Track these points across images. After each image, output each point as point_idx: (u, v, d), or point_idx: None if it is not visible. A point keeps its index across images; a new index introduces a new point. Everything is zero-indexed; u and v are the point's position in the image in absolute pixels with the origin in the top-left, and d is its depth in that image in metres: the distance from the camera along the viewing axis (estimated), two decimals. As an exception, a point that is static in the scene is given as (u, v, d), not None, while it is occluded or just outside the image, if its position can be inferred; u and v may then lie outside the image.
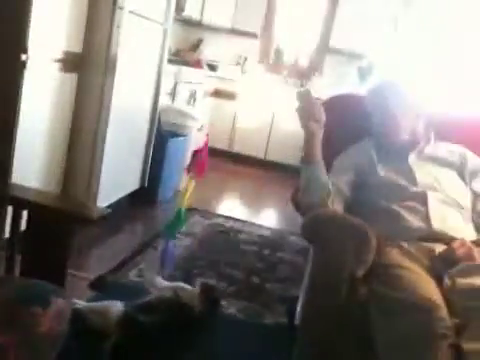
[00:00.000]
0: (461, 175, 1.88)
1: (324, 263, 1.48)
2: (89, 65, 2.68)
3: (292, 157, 5.36)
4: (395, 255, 1.58)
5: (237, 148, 5.63)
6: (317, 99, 1.77)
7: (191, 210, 3.59)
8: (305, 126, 1.75)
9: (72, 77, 2.61)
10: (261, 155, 5.59)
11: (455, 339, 1.24)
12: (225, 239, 3.18)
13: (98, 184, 2.89)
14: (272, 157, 5.56)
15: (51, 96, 2.46)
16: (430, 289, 1.41)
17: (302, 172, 1.81)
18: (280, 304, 2.45)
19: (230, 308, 2.29)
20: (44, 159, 2.52)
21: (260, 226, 3.57)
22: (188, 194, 2.39)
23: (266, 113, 5.52)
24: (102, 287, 2.27)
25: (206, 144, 2.14)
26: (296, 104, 1.75)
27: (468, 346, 1.19)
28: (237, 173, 5.31)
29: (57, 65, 2.43)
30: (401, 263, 1.53)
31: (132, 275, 2.43)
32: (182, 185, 4.06)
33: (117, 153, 3.03)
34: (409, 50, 5.13)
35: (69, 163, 2.78)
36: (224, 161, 5.53)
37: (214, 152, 5.62)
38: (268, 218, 4.12)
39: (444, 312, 1.31)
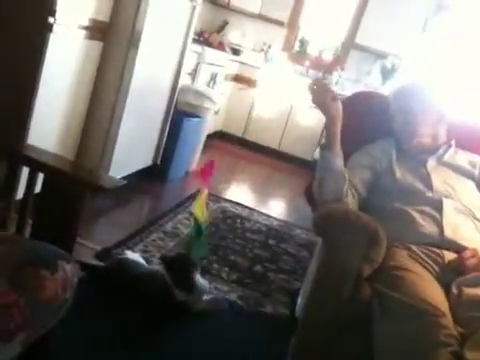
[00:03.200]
0: (478, 185, 1.86)
1: (332, 259, 1.47)
2: (114, 35, 2.66)
3: (306, 151, 5.34)
4: (403, 257, 1.57)
5: (251, 136, 5.61)
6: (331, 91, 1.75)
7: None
8: (322, 108, 1.72)
9: (97, 45, 2.60)
10: (275, 145, 5.56)
11: (458, 348, 1.22)
12: (231, 225, 3.18)
13: (112, 155, 2.89)
14: (286, 149, 5.53)
15: (75, 62, 2.45)
16: (435, 295, 1.40)
17: (319, 160, 1.79)
18: (281, 294, 2.45)
19: (231, 294, 2.29)
20: (61, 124, 2.52)
21: (267, 216, 3.56)
22: (203, 204, 2.06)
23: (284, 104, 5.48)
24: (107, 260, 2.28)
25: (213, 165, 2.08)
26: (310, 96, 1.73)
27: (472, 356, 1.17)
28: (249, 160, 5.28)
29: (83, 32, 2.41)
30: (408, 266, 1.51)
31: (137, 250, 2.43)
32: (193, 166, 4.07)
33: (133, 127, 3.03)
34: (436, 54, 5.06)
35: (85, 131, 2.78)
36: (237, 147, 5.51)
37: (228, 137, 5.61)
38: (275, 208, 4.10)
39: (448, 320, 1.30)
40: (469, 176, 1.87)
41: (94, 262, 2.16)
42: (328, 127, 1.75)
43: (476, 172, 1.89)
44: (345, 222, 1.48)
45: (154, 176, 3.51)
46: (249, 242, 2.97)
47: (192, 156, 4.06)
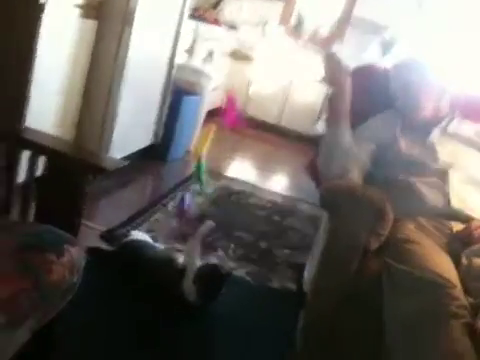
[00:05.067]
0: (484, 154, 1.83)
1: (339, 233, 1.46)
2: (109, 13, 2.60)
3: (305, 126, 5.29)
4: (411, 230, 1.56)
5: (251, 112, 5.55)
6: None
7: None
8: (334, 80, 1.68)
9: (92, 24, 2.55)
10: (275, 121, 5.51)
11: (470, 319, 1.21)
12: (236, 202, 3.16)
13: (111, 136, 2.86)
14: (286, 124, 5.49)
15: (70, 42, 2.40)
16: (445, 266, 1.39)
17: (325, 135, 1.76)
18: (287, 269, 2.44)
19: (239, 270, 2.28)
20: (58, 106, 2.48)
21: (271, 192, 3.54)
22: (207, 140, 2.24)
23: (283, 78, 5.42)
24: (112, 239, 2.28)
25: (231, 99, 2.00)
26: (322, 68, 1.69)
27: (483, 326, 1.17)
28: (250, 137, 5.24)
29: (78, 11, 2.36)
30: (416, 239, 1.50)
31: (141, 230, 2.42)
32: (193, 143, 4.03)
33: (131, 107, 2.98)
34: (433, 28, 4.98)
35: (83, 112, 2.74)
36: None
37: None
38: (278, 184, 4.08)
39: (458, 290, 1.29)
40: (474, 145, 1.85)
41: (103, 246, 2.15)
42: (337, 101, 1.71)
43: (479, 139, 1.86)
44: (352, 196, 1.47)
45: (154, 156, 3.48)
46: (254, 218, 2.96)
47: (192, 134, 4.02)
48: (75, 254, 1.15)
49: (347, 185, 1.54)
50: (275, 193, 3.54)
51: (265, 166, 4.51)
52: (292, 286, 2.28)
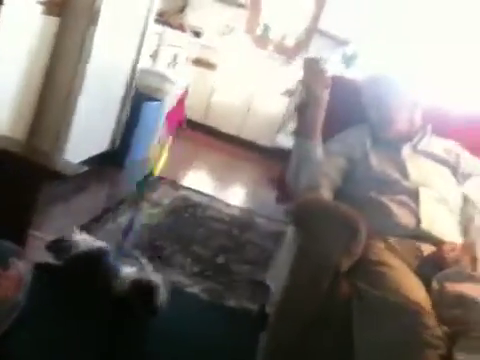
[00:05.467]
0: (454, 174, 1.81)
1: (310, 252, 1.39)
2: (72, 11, 2.47)
3: (266, 138, 5.25)
4: (381, 251, 1.50)
5: (212, 122, 5.47)
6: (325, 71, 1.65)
7: (160, 179, 3.45)
8: (312, 90, 1.62)
9: (54, 21, 2.40)
10: (236, 132, 5.44)
11: (445, 350, 1.16)
12: (193, 214, 3.06)
13: (67, 139, 2.71)
14: (246, 135, 5.43)
15: (30, 38, 2.25)
16: (417, 291, 1.34)
17: (296, 148, 1.69)
18: (245, 287, 2.36)
19: (194, 287, 2.18)
20: (13, 103, 2.32)
21: (229, 205, 3.45)
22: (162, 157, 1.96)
23: (246, 89, 5.36)
24: (59, 251, 2.12)
25: (183, 99, 1.84)
26: (301, 73, 1.63)
27: (461, 358, 1.11)
28: (210, 147, 5.16)
29: (40, 7, 2.22)
30: (387, 260, 1.45)
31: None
32: (152, 152, 3.90)
33: (90, 109, 2.84)
34: (397, 40, 5.05)
35: (39, 112, 2.58)
36: (198, 133, 5.36)
37: (189, 123, 5.44)
38: (237, 196, 4.01)
39: (432, 319, 1.23)
40: (444, 163, 1.83)
41: (50, 259, 1.98)
42: (311, 112, 1.65)
43: (451, 159, 1.84)
44: (325, 213, 1.40)
45: (111, 162, 3.33)
46: (211, 231, 2.87)
47: (151, 140, 3.89)
48: (22, 268, 1.03)
49: (320, 201, 1.48)
50: (233, 206, 3.46)
51: (224, 177, 4.43)
52: (250, 305, 2.19)
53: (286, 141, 4.90)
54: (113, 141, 3.37)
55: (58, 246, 2.14)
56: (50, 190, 2.53)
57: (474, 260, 1.51)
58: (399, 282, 1.35)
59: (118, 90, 3.25)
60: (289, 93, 5.10)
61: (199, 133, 5.36)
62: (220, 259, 2.55)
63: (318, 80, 1.61)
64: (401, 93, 1.87)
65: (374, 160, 1.79)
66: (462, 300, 1.29)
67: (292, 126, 4.89)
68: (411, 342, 1.17)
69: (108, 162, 3.30)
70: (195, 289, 2.17)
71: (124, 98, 3.33)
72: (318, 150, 1.66)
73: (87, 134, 2.93)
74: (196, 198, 3.34)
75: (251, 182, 4.52)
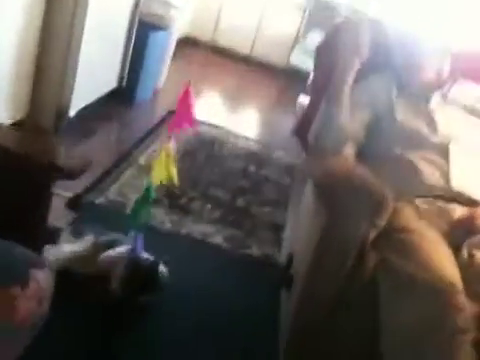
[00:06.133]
0: (486, 123, 1.70)
1: (336, 230, 1.32)
2: None
3: (281, 57, 5.03)
4: (410, 216, 1.44)
5: (221, 41, 5.23)
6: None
7: (170, 114, 3.35)
8: (345, 58, 1.50)
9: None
10: (247, 51, 5.21)
11: (476, 332, 1.13)
12: (209, 153, 2.99)
13: (73, 82, 2.59)
14: (259, 55, 5.20)
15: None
16: (447, 264, 1.29)
17: (323, 111, 1.59)
18: (266, 231, 2.34)
19: (216, 236, 2.17)
20: (13, 55, 2.20)
21: (244, 138, 3.37)
22: (163, 164, 1.50)
23: (257, 3, 5.06)
24: (79, 207, 2.10)
25: (188, 93, 1.48)
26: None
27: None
28: (220, 68, 4.96)
29: None
30: (415, 227, 1.39)
31: (111, 193, 2.25)
32: (161, 83, 3.76)
33: (95, 48, 2.69)
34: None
35: (41, 57, 2.45)
36: (206, 54, 5.15)
37: (196, 43, 5.21)
38: (251, 125, 3.90)
39: (462, 298, 1.19)
40: (476, 113, 1.71)
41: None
42: (339, 77, 1.53)
43: None
44: (349, 186, 1.32)
45: (121, 99, 3.22)
46: (229, 171, 2.82)
47: (160, 72, 3.74)
48: (43, 280, 0.99)
49: (345, 171, 1.39)
50: (249, 139, 3.37)
51: (236, 104, 4.29)
52: (272, 251, 2.19)
53: (301, 60, 4.69)
54: (121, 77, 3.24)
55: (79, 202, 2.12)
56: (59, 137, 2.50)
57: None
58: (428, 253, 1.30)
59: (122, 22, 3.07)
60: (302, 8, 4.80)
61: (207, 54, 5.15)
62: (240, 202, 2.52)
63: (353, 47, 1.48)
64: (430, 38, 1.72)
65: (400, 112, 1.67)
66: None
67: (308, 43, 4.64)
68: (441, 326, 1.14)
69: (118, 100, 3.19)
70: (217, 239, 2.16)
71: (129, 30, 3.15)
72: (343, 114, 1.56)
73: (94, 74, 2.81)
74: (210, 134, 3.25)
75: (265, 105, 4.38)
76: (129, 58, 3.24)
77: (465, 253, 1.35)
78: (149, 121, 3.21)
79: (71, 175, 1.10)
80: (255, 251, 2.15)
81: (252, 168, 2.94)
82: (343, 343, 1.38)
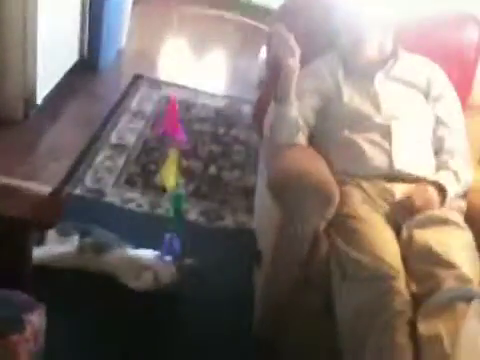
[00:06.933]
0: (426, 97, 1.82)
1: (290, 226, 1.50)
2: None
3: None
4: (356, 201, 1.61)
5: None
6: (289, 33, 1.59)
7: (137, 79, 3.39)
8: (284, 64, 1.59)
9: None
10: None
11: (411, 314, 1.34)
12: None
13: (35, 69, 2.62)
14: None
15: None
16: (390, 248, 1.48)
17: (273, 109, 1.70)
18: (238, 198, 2.50)
19: (192, 212, 2.33)
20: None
21: (212, 95, 3.43)
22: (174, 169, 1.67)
23: None
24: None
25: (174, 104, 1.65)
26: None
27: (424, 328, 1.29)
28: (182, 12, 4.83)
29: None
30: (362, 214, 1.56)
31: (88, 181, 2.37)
32: (123, 42, 3.72)
33: (51, 26, 2.68)
34: None
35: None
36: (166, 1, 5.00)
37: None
38: (218, 76, 3.92)
39: (402, 279, 1.39)
40: (416, 87, 1.82)
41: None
42: (285, 78, 1.62)
43: (422, 81, 1.83)
44: (300, 188, 1.48)
45: (84, 70, 3.23)
46: (199, 135, 2.92)
47: (121, 32, 3.71)
48: (37, 321, 1.15)
49: (294, 172, 1.53)
50: (218, 96, 3.43)
51: (202, 54, 4.23)
52: (246, 219, 2.35)
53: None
54: (81, 48, 3.24)
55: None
56: (27, 125, 2.56)
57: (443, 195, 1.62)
58: (373, 240, 1.48)
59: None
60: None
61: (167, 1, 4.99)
62: (212, 169, 2.65)
63: (287, 51, 1.56)
64: (375, 14, 1.79)
65: (347, 94, 1.78)
66: (429, 254, 1.44)
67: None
68: (383, 310, 1.34)
69: (82, 72, 3.20)
70: (193, 214, 2.32)
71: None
72: (292, 110, 1.67)
73: (54, 53, 2.82)
74: (179, 96, 3.30)
75: (230, 52, 4.34)
76: (87, 25, 3.23)
77: (405, 233, 1.54)
78: (117, 89, 3.25)
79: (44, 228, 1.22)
80: (230, 223, 2.33)
81: (221, 129, 3.04)
82: (306, 319, 1.60)
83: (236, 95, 3.51)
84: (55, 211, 1.32)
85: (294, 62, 1.58)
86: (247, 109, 3.32)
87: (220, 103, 3.36)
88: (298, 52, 1.58)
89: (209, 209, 2.38)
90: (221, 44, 4.53)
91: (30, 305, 1.18)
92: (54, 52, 2.80)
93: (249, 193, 2.51)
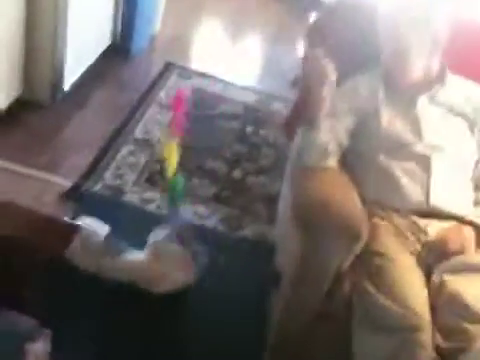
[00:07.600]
0: (471, 128, 1.69)
1: (313, 259, 1.42)
2: None
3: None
4: (385, 237, 1.51)
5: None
6: (326, 60, 1.46)
7: (168, 67, 3.30)
8: (315, 92, 1.47)
9: None
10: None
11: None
12: (205, 112, 2.96)
13: (64, 55, 2.56)
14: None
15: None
16: (418, 294, 1.39)
17: (302, 133, 1.60)
18: (260, 206, 2.42)
19: (212, 218, 2.25)
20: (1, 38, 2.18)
21: (243, 88, 3.31)
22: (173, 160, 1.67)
23: None
24: (78, 198, 2.18)
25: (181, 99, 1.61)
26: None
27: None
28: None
29: None
30: (390, 252, 1.47)
31: (108, 178, 2.31)
32: (158, 27, 3.63)
33: (84, 8, 2.61)
34: None
35: (29, 33, 2.41)
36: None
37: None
38: (252, 65, 3.78)
39: (429, 335, 1.30)
40: (462, 115, 1.69)
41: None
42: (312, 109, 1.51)
43: (469, 110, 1.70)
44: (325, 219, 1.38)
45: (116, 56, 3.15)
46: (225, 135, 2.82)
47: (155, 17, 3.61)
48: (40, 349, 1.11)
49: (321, 200, 1.43)
50: (248, 89, 3.31)
51: (234, 41, 4.09)
52: (267, 230, 2.27)
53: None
54: (114, 32, 3.16)
55: (77, 193, 2.18)
56: (54, 110, 2.50)
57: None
58: (400, 282, 1.39)
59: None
60: None
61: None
62: (236, 173, 2.56)
63: (321, 78, 1.44)
64: (422, 32, 1.63)
65: (385, 116, 1.66)
66: (459, 305, 1.34)
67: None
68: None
69: (113, 57, 3.13)
70: (213, 220, 2.24)
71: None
72: (323, 134, 1.56)
73: (86, 37, 2.75)
74: (208, 88, 3.21)
75: (266, 37, 4.17)
76: (121, 8, 3.14)
77: (436, 279, 1.43)
78: (147, 77, 3.17)
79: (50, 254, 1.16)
80: (249, 233, 2.24)
81: (249, 128, 2.93)
82: (322, 354, 1.52)
83: (268, 90, 3.39)
84: (65, 239, 1.24)
85: (327, 91, 1.46)
86: (279, 107, 3.21)
87: (250, 98, 3.24)
88: (333, 78, 1.46)
89: (230, 216, 2.30)
90: (258, 28, 4.37)
91: (35, 333, 1.13)
92: (85, 36, 2.74)
93: (272, 201, 2.42)
